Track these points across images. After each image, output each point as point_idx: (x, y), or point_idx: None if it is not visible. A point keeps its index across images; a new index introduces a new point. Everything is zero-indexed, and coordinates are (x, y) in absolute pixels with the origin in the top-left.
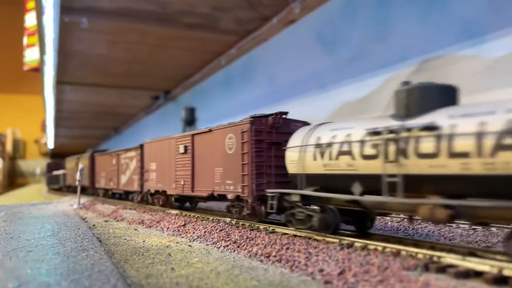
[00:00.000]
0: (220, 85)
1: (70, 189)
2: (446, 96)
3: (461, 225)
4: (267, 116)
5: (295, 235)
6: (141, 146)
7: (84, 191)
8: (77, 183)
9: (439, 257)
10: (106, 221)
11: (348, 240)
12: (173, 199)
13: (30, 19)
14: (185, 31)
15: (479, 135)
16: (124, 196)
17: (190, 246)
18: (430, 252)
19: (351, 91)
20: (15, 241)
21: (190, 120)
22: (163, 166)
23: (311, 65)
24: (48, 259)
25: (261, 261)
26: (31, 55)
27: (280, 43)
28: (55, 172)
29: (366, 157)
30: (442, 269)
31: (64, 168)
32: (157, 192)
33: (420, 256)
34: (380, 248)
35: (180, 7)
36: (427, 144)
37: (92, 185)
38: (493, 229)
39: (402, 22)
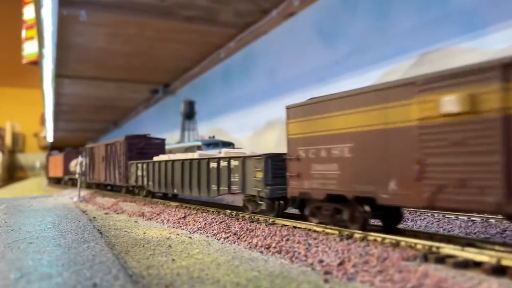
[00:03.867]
0: (220, 78)
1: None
2: None
3: (460, 217)
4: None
5: (294, 227)
6: None
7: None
8: (77, 176)
9: (438, 247)
10: (106, 213)
11: (347, 231)
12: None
13: (28, 12)
14: (185, 24)
15: None
16: None
17: (191, 238)
18: (429, 243)
19: (350, 85)
20: (16, 233)
21: (189, 114)
22: None
23: (310, 59)
24: (49, 251)
25: (261, 252)
26: (29, 48)
27: (279, 36)
28: (161, 158)
29: None
30: (441, 259)
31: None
32: None
33: (419, 246)
34: (379, 239)
35: None
36: None
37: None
38: (492, 220)
39: (402, 15)
